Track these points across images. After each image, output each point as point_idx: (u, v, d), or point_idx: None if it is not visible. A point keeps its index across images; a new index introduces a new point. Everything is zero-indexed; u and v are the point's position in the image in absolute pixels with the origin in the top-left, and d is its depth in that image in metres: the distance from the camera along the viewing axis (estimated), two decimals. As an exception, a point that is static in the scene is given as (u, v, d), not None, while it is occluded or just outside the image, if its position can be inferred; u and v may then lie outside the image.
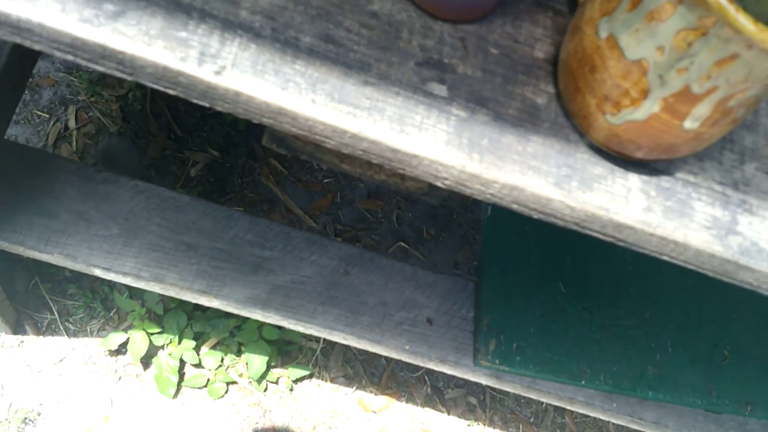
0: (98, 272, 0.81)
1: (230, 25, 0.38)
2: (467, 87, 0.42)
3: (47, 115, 1.22)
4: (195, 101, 0.38)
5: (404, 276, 0.92)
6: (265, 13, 0.39)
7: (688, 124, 0.38)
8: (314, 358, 1.21)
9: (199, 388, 1.12)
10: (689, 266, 0.45)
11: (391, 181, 0.45)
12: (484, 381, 0.91)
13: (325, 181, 1.35)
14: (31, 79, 1.24)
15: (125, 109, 1.26)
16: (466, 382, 1.29)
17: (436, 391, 1.27)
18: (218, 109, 0.39)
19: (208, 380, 1.11)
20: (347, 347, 1.25)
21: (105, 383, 1.09)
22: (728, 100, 0.37)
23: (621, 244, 0.45)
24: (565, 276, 0.96)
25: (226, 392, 1.14)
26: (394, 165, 0.41)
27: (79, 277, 1.14)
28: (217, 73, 0.37)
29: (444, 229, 1.39)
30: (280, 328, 1.14)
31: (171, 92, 0.38)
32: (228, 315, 1.12)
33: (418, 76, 0.41)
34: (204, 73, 0.37)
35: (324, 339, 1.24)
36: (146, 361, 1.11)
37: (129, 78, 0.38)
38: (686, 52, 0.35)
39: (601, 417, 0.94)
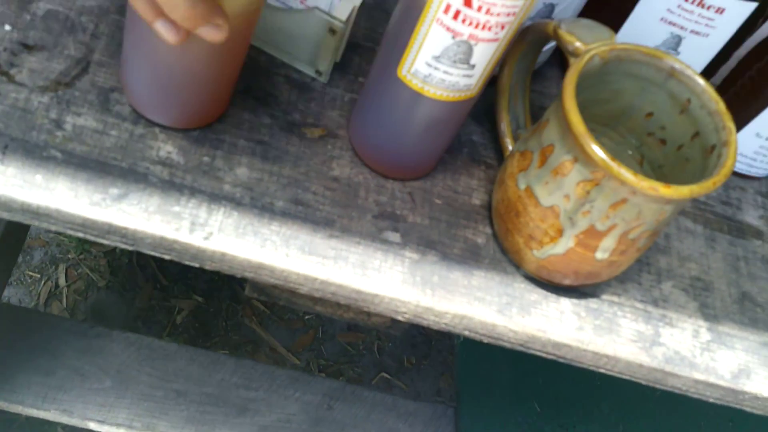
0: (93, 425, 0.85)
1: (215, 198, 0.46)
2: (417, 233, 0.50)
3: (38, 275, 1.29)
4: (187, 263, 0.46)
5: (386, 406, 0.96)
6: (245, 185, 0.47)
7: (599, 255, 0.46)
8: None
9: None
10: (624, 377, 0.52)
11: (359, 319, 0.52)
12: (469, 505, 0.94)
13: (306, 317, 1.41)
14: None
15: (113, 263, 1.34)
16: None
17: None
18: (207, 268, 0.46)
19: None
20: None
21: None
22: (628, 233, 0.45)
23: (562, 360, 0.51)
24: (539, 395, 1.01)
25: None
26: (360, 304, 0.48)
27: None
28: (206, 238, 0.44)
29: (424, 357, 1.44)
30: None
31: (166, 257, 0.45)
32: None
33: (375, 227, 0.49)
34: (194, 239, 0.44)
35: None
36: None
37: (130, 248, 0.45)
38: (586, 198, 0.43)
39: None
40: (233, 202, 0.46)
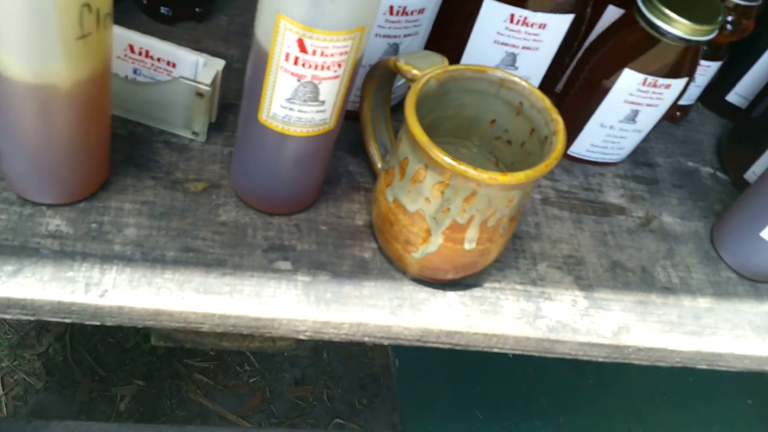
0: None
1: (107, 258, 0.49)
2: (307, 258, 0.54)
3: (-28, 388, 1.27)
4: (88, 323, 0.49)
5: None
6: (134, 242, 0.51)
7: (467, 246, 0.51)
8: None
9: None
10: (517, 352, 0.56)
11: (265, 347, 0.55)
12: None
13: (251, 381, 1.42)
14: (-49, 358, 1.30)
15: (48, 363, 1.33)
16: None
17: None
18: (108, 324, 0.49)
19: None
20: None
21: None
22: (486, 222, 0.50)
23: (458, 347, 0.55)
24: (479, 403, 1.05)
25: None
26: (262, 331, 0.51)
27: None
28: (101, 296, 0.48)
29: (374, 396, 1.46)
30: None
31: (68, 320, 0.48)
32: None
33: (266, 259, 0.53)
34: (90, 299, 0.47)
35: None
36: None
37: (32, 318, 0.48)
38: (443, 198, 0.48)
39: None
40: (125, 259, 0.50)
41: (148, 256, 0.51)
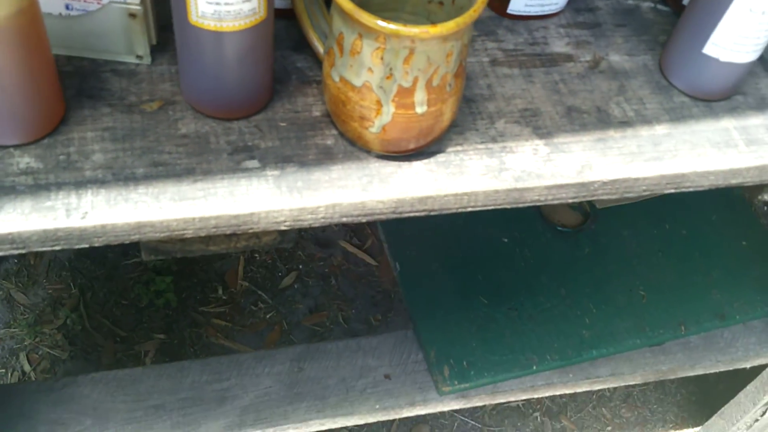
0: (88, 462, 0.89)
1: (81, 184, 0.52)
2: (273, 154, 0.56)
3: (3, 369, 1.31)
4: (77, 246, 0.51)
5: (351, 350, 1.03)
6: (104, 166, 0.53)
7: (419, 109, 0.53)
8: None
9: None
10: (489, 208, 0.59)
11: (251, 244, 0.58)
12: (455, 405, 1.00)
13: (267, 316, 1.46)
14: (-24, 346, 1.34)
15: (68, 335, 1.37)
16: (463, 429, 1.37)
17: (441, 450, 1.34)
18: (96, 245, 0.51)
19: None
20: (347, 449, 1.32)
21: None
22: (431, 81, 0.52)
23: (433, 212, 0.58)
24: (483, 289, 1.09)
25: None
26: (243, 228, 0.54)
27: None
28: (83, 218, 0.50)
29: (388, 311, 1.51)
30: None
31: (57, 247, 0.51)
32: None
33: (232, 161, 0.55)
34: (73, 222, 0.50)
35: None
36: None
37: (23, 251, 0.51)
38: (383, 63, 0.50)
39: (565, 391, 1.04)
40: (98, 182, 0.52)
41: (120, 176, 0.53)
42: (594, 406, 1.44)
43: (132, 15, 0.55)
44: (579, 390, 1.05)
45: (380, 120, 0.53)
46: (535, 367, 1.02)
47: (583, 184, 0.59)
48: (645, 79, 0.66)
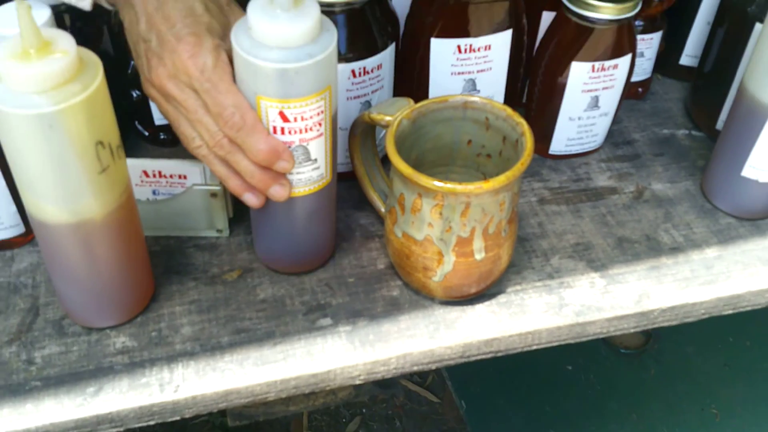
0: None
1: (172, 358, 0.55)
2: (344, 310, 0.60)
3: None
4: (169, 420, 0.54)
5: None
6: (192, 338, 0.57)
7: (478, 256, 0.56)
8: None
9: None
10: (553, 345, 0.61)
11: (328, 401, 0.60)
12: None
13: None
14: None
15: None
16: None
17: None
18: (187, 416, 0.54)
19: None
20: None
21: None
22: (487, 229, 0.55)
23: (499, 354, 0.60)
24: (552, 422, 1.08)
25: None
26: (321, 385, 0.57)
27: None
28: (175, 391, 0.53)
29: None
30: None
31: (152, 422, 0.54)
32: None
33: (308, 321, 0.59)
34: (166, 396, 0.53)
35: None
36: None
37: (121, 429, 0.54)
38: (442, 218, 0.54)
39: None
40: (187, 355, 0.56)
41: (207, 346, 0.56)
42: None
43: (213, 195, 0.61)
44: None
45: (442, 269, 0.57)
46: (617, 499, 0.99)
47: (642, 314, 0.61)
48: (689, 204, 0.69)
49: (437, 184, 0.52)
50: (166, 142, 0.72)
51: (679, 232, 0.66)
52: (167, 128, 0.71)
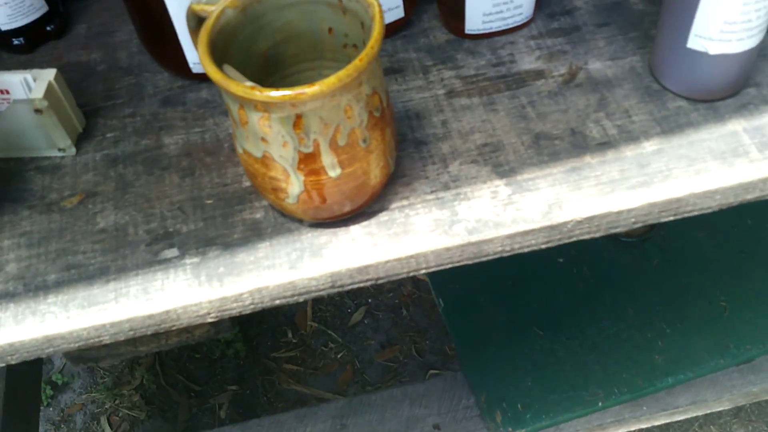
0: None
1: (-10, 300, 0.49)
2: (194, 238, 0.51)
3: (86, 434, 1.35)
4: (-7, 366, 0.48)
5: (397, 400, 0.96)
6: (16, 277, 0.50)
7: (332, 173, 0.46)
8: None
9: None
10: (441, 267, 0.51)
11: (183, 338, 0.53)
12: (513, 453, 0.91)
13: (339, 356, 1.42)
14: (62, 414, 1.38)
15: (145, 394, 1.39)
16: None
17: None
18: (11, 362, 0.48)
19: None
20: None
21: None
22: (335, 141, 0.45)
23: (379, 282, 0.51)
24: (537, 320, 0.99)
25: None
26: (163, 326, 0.49)
27: None
28: (-12, 339, 0.47)
29: (464, 339, 1.42)
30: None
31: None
32: None
33: (150, 252, 0.51)
34: (-21, 344, 0.47)
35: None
36: None
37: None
38: (273, 131, 0.44)
39: (639, 426, 0.92)
40: (8, 296, 0.49)
41: (30, 286, 0.49)
42: (701, 424, 1.28)
43: (38, 110, 0.52)
44: (656, 423, 0.93)
45: (293, 190, 0.47)
46: (601, 404, 0.91)
47: (552, 227, 0.50)
48: (632, 86, 0.56)
49: (247, 92, 0.41)
50: (21, 48, 0.63)
51: (613, 122, 0.54)
52: (23, 31, 0.62)
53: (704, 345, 0.94)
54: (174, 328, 0.50)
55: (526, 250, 0.51)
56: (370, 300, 1.49)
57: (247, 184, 0.54)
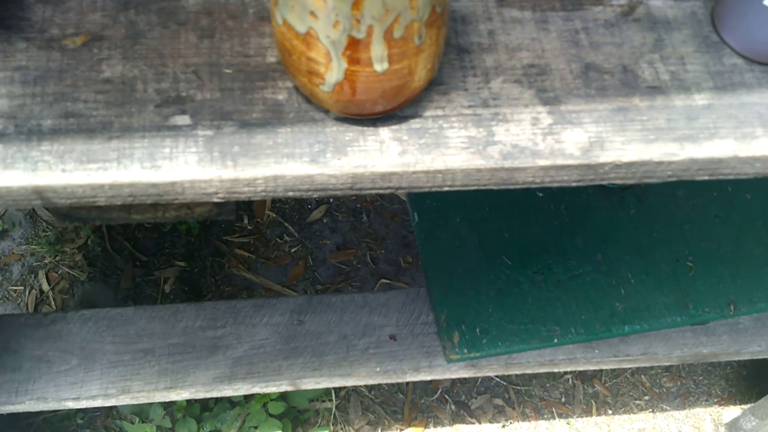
0: (70, 404, 0.86)
1: (-24, 136, 0.44)
2: (209, 109, 0.47)
3: (21, 287, 1.31)
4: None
5: (357, 305, 0.95)
6: (8, 114, 0.45)
7: (378, 67, 0.42)
8: (332, 416, 1.24)
9: (230, 482, 1.15)
10: (470, 188, 0.48)
11: (182, 214, 0.49)
12: (463, 374, 0.92)
13: (293, 250, 1.40)
14: (-2, 261, 1.33)
15: (89, 255, 1.34)
16: (487, 386, 1.30)
17: (461, 406, 1.27)
18: (-7, 208, 0.44)
19: (237, 471, 1.15)
20: (362, 395, 1.27)
21: None
22: (391, 32, 0.41)
23: (400, 191, 0.48)
24: (507, 249, 0.99)
25: (258, 477, 1.17)
26: (165, 198, 0.45)
27: (91, 420, 1.19)
28: (-29, 178, 0.42)
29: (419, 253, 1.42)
30: (285, 399, 1.17)
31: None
32: (233, 405, 1.16)
33: (159, 115, 0.46)
34: (-41, 183, 0.42)
35: (338, 395, 1.26)
36: (174, 475, 1.15)
37: None
38: (327, 6, 0.39)
39: (588, 367, 0.94)
40: (-4, 135, 0.44)
41: (23, 128, 0.45)
42: (633, 372, 1.33)
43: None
44: (605, 368, 0.95)
45: (331, 77, 0.43)
46: (556, 340, 0.93)
47: (589, 167, 0.48)
48: (691, 32, 0.53)
49: (316, -44, 0.37)
50: None
51: (667, 67, 0.51)
52: None
53: (665, 301, 0.96)
54: (176, 202, 0.46)
55: (555, 185, 0.49)
56: (331, 200, 1.46)
57: (272, 59, 0.49)
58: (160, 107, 0.47)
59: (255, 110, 0.47)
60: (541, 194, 1.03)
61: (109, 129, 0.45)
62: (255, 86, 0.48)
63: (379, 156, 0.46)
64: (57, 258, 1.33)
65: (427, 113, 0.48)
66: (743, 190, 1.05)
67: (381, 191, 0.48)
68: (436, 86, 0.49)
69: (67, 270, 1.33)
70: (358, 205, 1.46)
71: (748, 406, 1.28)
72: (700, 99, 0.50)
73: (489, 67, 0.50)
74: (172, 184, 0.45)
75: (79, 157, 0.44)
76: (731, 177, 0.50)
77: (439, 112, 0.48)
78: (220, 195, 0.46)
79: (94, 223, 0.48)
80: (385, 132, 0.47)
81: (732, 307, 0.96)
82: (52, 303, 1.29)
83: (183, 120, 0.46)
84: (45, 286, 1.31)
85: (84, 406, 0.88)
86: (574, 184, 0.49)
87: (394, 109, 0.47)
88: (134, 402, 0.88)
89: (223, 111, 0.47)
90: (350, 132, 0.47)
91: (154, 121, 0.46)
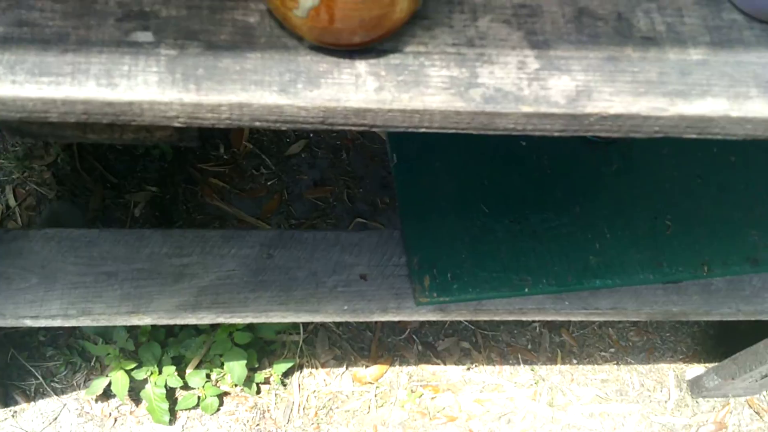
0: (28, 322, 0.84)
1: None
2: (173, 27, 0.44)
3: (-13, 201, 1.28)
4: None
5: (329, 243, 0.93)
6: (-47, 18, 0.42)
7: (358, -8, 0.39)
8: (299, 349, 1.24)
9: (192, 407, 1.15)
10: (447, 131, 0.46)
11: (141, 137, 0.47)
12: (431, 317, 0.92)
13: (269, 183, 1.37)
14: (-37, 174, 1.30)
15: (58, 173, 1.31)
16: (455, 329, 1.30)
17: (428, 347, 1.28)
18: (-65, 118, 0.41)
19: (199, 398, 1.14)
20: (330, 331, 1.27)
21: (103, 428, 1.13)
22: (374, -44, 0.38)
23: (375, 129, 0.46)
24: (485, 197, 0.97)
25: (221, 404, 1.17)
26: (122, 119, 0.43)
27: (53, 339, 1.18)
28: None
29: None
30: (252, 329, 1.16)
31: None
32: (198, 332, 1.15)
33: (119, 30, 0.43)
34: None
35: (306, 329, 1.26)
36: (136, 397, 1.14)
37: None
38: (305, -77, 0.36)
39: (557, 318, 0.94)
40: (-59, 39, 0.41)
41: (-30, 35, 0.41)
42: (600, 324, 1.34)
43: None
44: (573, 319, 0.95)
45: (306, 1, 0.40)
46: (527, 290, 0.92)
47: (574, 117, 0.45)
48: (693, -19, 0.50)
49: None
50: None
51: (663, 17, 0.48)
52: None
53: (639, 258, 0.95)
54: (133, 123, 0.43)
55: (537, 133, 0.47)
56: (311, 135, 1.43)
57: (247, -21, 0.46)
58: (121, 21, 0.43)
59: (223, 32, 0.44)
60: (524, 143, 1.00)
61: (65, 41, 0.42)
62: (225, 6, 0.45)
63: (354, 91, 0.44)
64: (25, 174, 1.30)
65: (408, 49, 0.45)
66: (728, 152, 1.04)
67: (354, 128, 0.45)
68: (419, 20, 0.46)
69: (35, 187, 1.29)
70: (338, 142, 1.42)
71: (713, 365, 1.30)
72: (695, 54, 0.47)
73: (477, 3, 0.47)
74: (129, 104, 0.42)
75: (31, 69, 0.41)
76: (719, 137, 0.48)
77: (421, 49, 0.45)
78: (181, 119, 0.43)
79: (46, 140, 0.45)
80: (361, 65, 0.44)
81: (706, 268, 0.96)
82: (18, 219, 1.26)
83: (145, 36, 0.43)
84: (12, 202, 1.27)
85: (43, 325, 0.86)
86: (557, 134, 0.47)
87: (373, 42, 0.44)
88: (95, 324, 0.86)
89: (188, 30, 0.44)
90: (324, 63, 0.44)
91: (113, 35, 0.43)
